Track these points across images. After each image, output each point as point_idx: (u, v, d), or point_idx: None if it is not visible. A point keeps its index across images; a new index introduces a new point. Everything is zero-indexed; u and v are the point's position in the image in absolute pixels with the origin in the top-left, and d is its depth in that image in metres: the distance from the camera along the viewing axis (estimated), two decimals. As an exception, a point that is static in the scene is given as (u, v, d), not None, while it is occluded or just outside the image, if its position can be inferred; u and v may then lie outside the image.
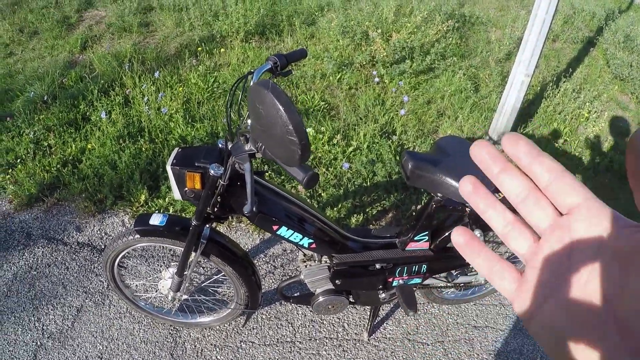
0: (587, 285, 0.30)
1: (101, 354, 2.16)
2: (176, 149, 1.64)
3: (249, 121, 1.44)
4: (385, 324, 2.45)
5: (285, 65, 1.63)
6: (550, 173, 0.33)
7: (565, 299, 0.31)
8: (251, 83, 1.45)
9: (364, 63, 4.02)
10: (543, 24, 3.00)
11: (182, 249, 1.79)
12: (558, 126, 3.90)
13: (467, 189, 0.38)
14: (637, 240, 0.28)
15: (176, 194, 1.64)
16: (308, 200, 2.91)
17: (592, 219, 0.31)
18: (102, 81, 3.59)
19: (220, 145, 1.62)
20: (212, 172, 1.49)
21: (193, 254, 1.81)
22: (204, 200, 1.59)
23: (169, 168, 1.58)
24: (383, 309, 2.51)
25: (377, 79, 3.90)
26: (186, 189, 1.61)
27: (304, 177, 1.25)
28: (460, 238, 0.39)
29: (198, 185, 1.59)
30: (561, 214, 0.33)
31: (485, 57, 4.50)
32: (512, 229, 0.36)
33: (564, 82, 4.25)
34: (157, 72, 3.60)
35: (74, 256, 2.56)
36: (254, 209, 1.48)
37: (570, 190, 0.32)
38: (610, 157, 3.78)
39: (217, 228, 2.78)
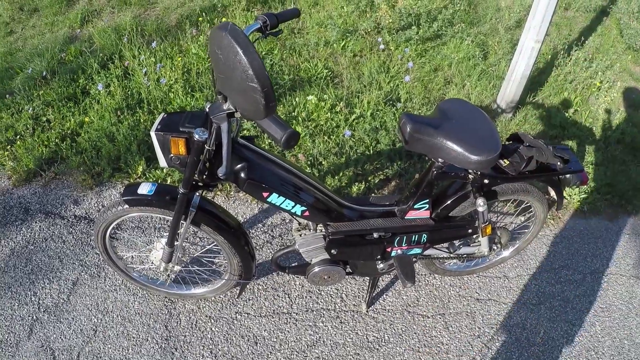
0: None
1: (96, 327, 2.14)
2: (161, 115, 1.58)
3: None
4: (384, 296, 2.40)
5: (275, 24, 1.55)
6: None
7: None
8: None
9: (369, 30, 3.91)
10: (554, -13, 2.86)
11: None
12: (569, 95, 3.78)
13: None
14: None
15: (161, 161, 1.59)
16: (308, 169, 2.85)
17: None
18: (101, 55, 3.53)
19: (207, 109, 1.56)
20: (196, 136, 1.42)
21: (183, 223, 1.77)
22: (190, 166, 1.53)
23: (153, 134, 1.52)
24: (383, 280, 2.46)
25: (382, 46, 3.79)
26: (171, 155, 1.55)
27: (282, 135, 1.17)
28: None
29: (183, 151, 1.53)
30: None
31: (494, 24, 4.35)
32: None
33: (576, 50, 4.11)
34: (154, 43, 3.53)
35: (71, 229, 2.53)
36: (235, 167, 1.40)
37: None
38: (622, 129, 3.66)
39: (216, 198, 2.74)
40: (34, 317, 2.16)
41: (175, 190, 1.75)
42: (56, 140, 2.92)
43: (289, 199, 1.65)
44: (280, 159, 1.70)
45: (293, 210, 1.69)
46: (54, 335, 2.10)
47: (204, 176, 1.59)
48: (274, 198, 1.63)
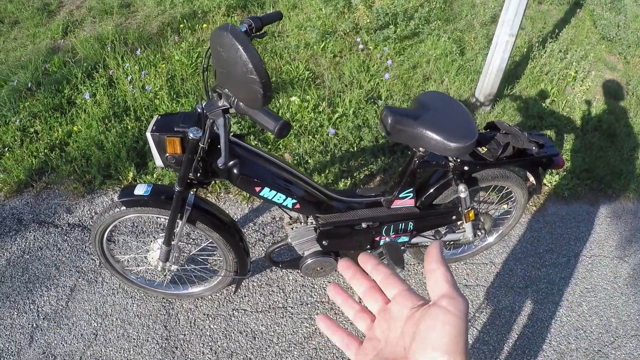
0: (397, 343, 0.47)
1: (96, 331, 2.18)
2: (156, 116, 1.64)
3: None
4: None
5: (260, 27, 1.62)
6: (382, 276, 0.52)
7: (384, 355, 0.48)
8: None
9: (348, 31, 3.99)
10: (525, -19, 2.97)
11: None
12: (545, 86, 3.89)
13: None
14: (416, 313, 0.46)
15: (157, 161, 1.64)
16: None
17: (403, 303, 0.49)
18: (85, 64, 3.56)
19: (199, 110, 1.62)
20: (191, 135, 1.49)
21: (179, 222, 1.82)
22: (185, 164, 1.60)
23: (148, 135, 1.57)
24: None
25: (361, 46, 3.87)
26: (167, 154, 1.61)
27: (275, 125, 1.26)
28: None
29: (178, 150, 1.59)
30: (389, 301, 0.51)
31: (470, 20, 4.46)
32: (358, 316, 0.54)
33: (550, 42, 4.23)
34: (138, 50, 3.57)
35: (65, 237, 2.56)
36: (229, 163, 1.49)
37: (393, 285, 0.51)
38: (599, 117, 3.78)
39: (207, 198, 2.79)
40: (34, 325, 2.19)
41: (170, 190, 1.81)
42: (45, 150, 2.95)
43: (280, 193, 1.72)
44: (270, 155, 1.76)
45: (284, 204, 1.75)
46: (55, 342, 2.13)
47: (198, 174, 1.65)
48: (266, 192, 1.70)
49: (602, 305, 2.63)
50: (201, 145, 1.53)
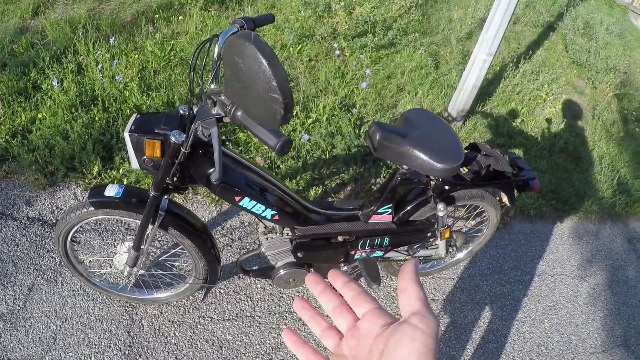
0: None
1: (55, 334, 2.07)
2: (135, 115, 1.56)
3: (213, 85, 1.37)
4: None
5: (252, 28, 1.56)
6: (352, 293, 0.51)
7: None
8: (216, 47, 1.38)
9: (325, 35, 3.96)
10: (509, 5, 3.02)
11: (138, 222, 1.72)
12: (516, 106, 3.98)
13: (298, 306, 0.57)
14: (386, 331, 0.46)
15: (134, 163, 1.57)
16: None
17: (373, 321, 0.48)
18: (54, 48, 3.39)
19: (181, 112, 1.55)
20: (173, 139, 1.42)
21: (150, 226, 1.75)
22: (163, 169, 1.53)
23: (126, 135, 1.50)
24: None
25: (337, 52, 3.85)
26: (145, 157, 1.53)
27: (277, 142, 1.19)
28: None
29: (158, 154, 1.52)
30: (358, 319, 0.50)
31: (446, 35, 4.51)
32: (326, 334, 0.53)
33: (524, 63, 4.33)
34: (112, 38, 3.44)
35: (24, 232, 2.43)
36: (209, 171, 1.41)
37: (363, 303, 0.50)
38: (566, 139, 3.89)
39: (175, 199, 2.70)
40: (-13, 325, 2.06)
41: (143, 193, 1.73)
42: (6, 136, 2.78)
43: (260, 203, 1.67)
44: (251, 163, 1.71)
45: (263, 214, 1.71)
46: (11, 345, 2.00)
47: (175, 179, 1.58)
48: (246, 202, 1.64)
49: (563, 322, 2.71)
50: (183, 150, 1.46)
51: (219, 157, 1.31)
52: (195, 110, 1.40)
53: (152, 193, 1.60)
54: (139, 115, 1.56)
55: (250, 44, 1.07)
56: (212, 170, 1.54)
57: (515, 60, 4.43)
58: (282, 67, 1.09)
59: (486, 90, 4.06)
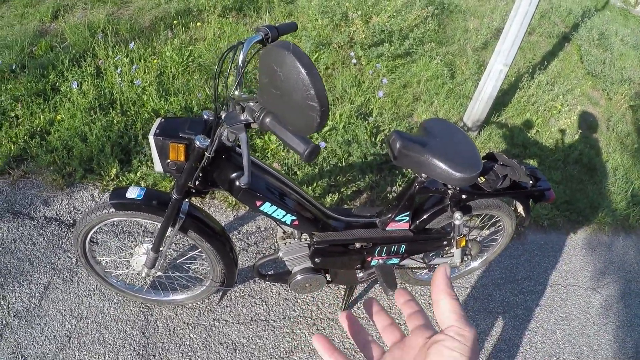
0: None
1: (70, 333, 2.09)
2: (159, 119, 1.58)
3: (237, 92, 1.39)
4: (359, 303, 2.46)
5: (276, 37, 1.58)
6: (411, 310, 0.54)
7: None
8: (241, 54, 1.40)
9: (342, 44, 3.99)
10: (525, 16, 3.02)
11: (157, 224, 1.74)
12: (531, 117, 3.98)
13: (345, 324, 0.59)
14: (429, 341, 0.48)
15: (157, 166, 1.59)
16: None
17: (420, 333, 0.50)
18: (73, 51, 3.44)
19: (205, 117, 1.57)
20: (197, 143, 1.44)
21: (170, 229, 1.76)
22: (187, 172, 1.54)
23: (151, 138, 1.52)
24: (358, 288, 2.52)
25: (354, 61, 3.87)
26: (168, 160, 1.55)
27: (305, 149, 1.20)
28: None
29: (182, 157, 1.54)
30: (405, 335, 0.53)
31: (462, 45, 4.52)
32: (368, 347, 0.55)
33: (539, 74, 4.32)
34: (132, 43, 3.48)
35: (41, 231, 2.46)
36: (232, 175, 1.43)
37: (417, 320, 0.52)
38: (580, 150, 3.88)
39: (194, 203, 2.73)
40: (4, 322, 2.08)
41: (164, 196, 1.75)
42: (25, 137, 2.82)
43: (281, 209, 1.68)
44: (273, 169, 1.73)
45: (284, 219, 1.72)
46: (26, 342, 2.02)
47: (197, 182, 1.60)
48: (267, 207, 1.66)
49: (575, 333, 2.69)
50: (207, 155, 1.48)
51: (247, 162, 1.33)
52: (223, 116, 1.42)
53: (174, 196, 1.62)
54: (163, 120, 1.58)
55: (289, 53, 1.10)
56: (235, 175, 1.56)
57: (530, 70, 4.43)
58: (320, 77, 1.11)
59: (501, 100, 4.06)
